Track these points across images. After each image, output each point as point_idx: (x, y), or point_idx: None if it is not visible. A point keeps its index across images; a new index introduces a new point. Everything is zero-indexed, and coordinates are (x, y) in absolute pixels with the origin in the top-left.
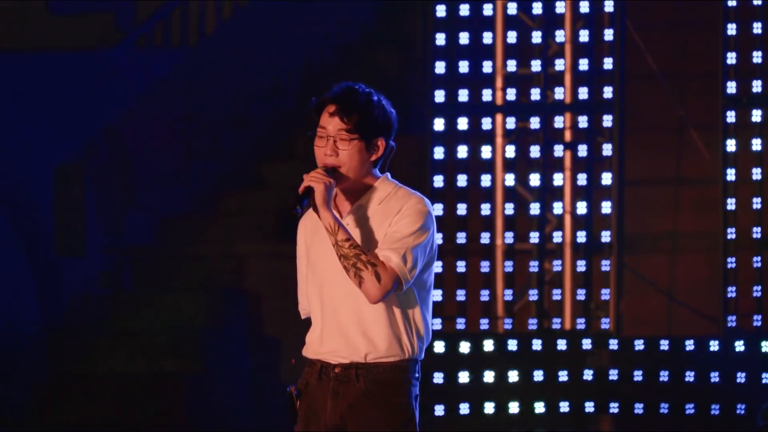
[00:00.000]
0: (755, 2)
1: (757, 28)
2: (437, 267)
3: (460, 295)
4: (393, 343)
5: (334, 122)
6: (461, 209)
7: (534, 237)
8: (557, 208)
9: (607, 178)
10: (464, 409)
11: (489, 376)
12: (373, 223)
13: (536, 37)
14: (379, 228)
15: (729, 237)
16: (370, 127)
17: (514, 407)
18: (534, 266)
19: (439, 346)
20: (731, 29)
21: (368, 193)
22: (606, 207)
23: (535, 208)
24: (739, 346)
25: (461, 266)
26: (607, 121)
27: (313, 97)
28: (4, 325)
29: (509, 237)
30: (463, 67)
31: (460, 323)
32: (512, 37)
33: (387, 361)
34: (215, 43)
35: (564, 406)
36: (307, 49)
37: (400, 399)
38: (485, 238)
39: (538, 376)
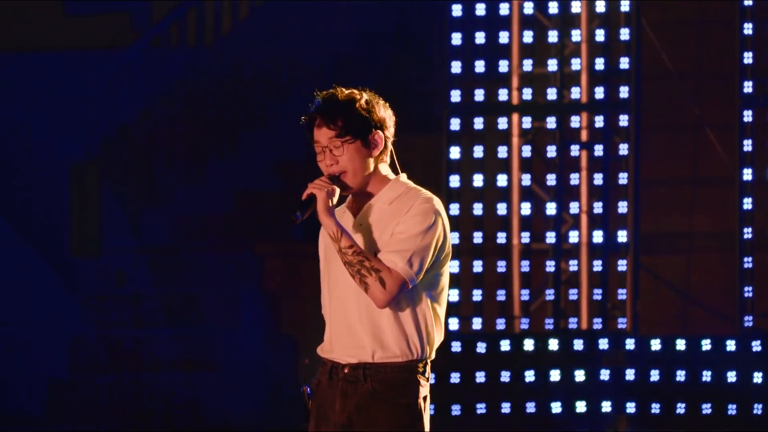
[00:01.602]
0: None
1: None
2: (453, 267)
3: (477, 295)
4: (401, 343)
5: (323, 133)
6: (477, 209)
7: (550, 237)
8: (573, 207)
9: (623, 178)
10: (481, 408)
11: (505, 376)
12: (383, 223)
13: (552, 36)
14: (387, 227)
15: (745, 237)
16: (358, 124)
17: (530, 407)
18: (550, 266)
19: (456, 346)
20: (748, 29)
21: (381, 193)
22: (622, 207)
23: (551, 208)
24: (756, 345)
25: (478, 266)
26: (624, 120)
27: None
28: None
29: (525, 237)
30: (479, 66)
31: (477, 323)
32: (528, 36)
33: (395, 361)
34: (231, 43)
35: (581, 406)
36: (323, 49)
37: (406, 399)
38: (501, 237)
39: (555, 375)
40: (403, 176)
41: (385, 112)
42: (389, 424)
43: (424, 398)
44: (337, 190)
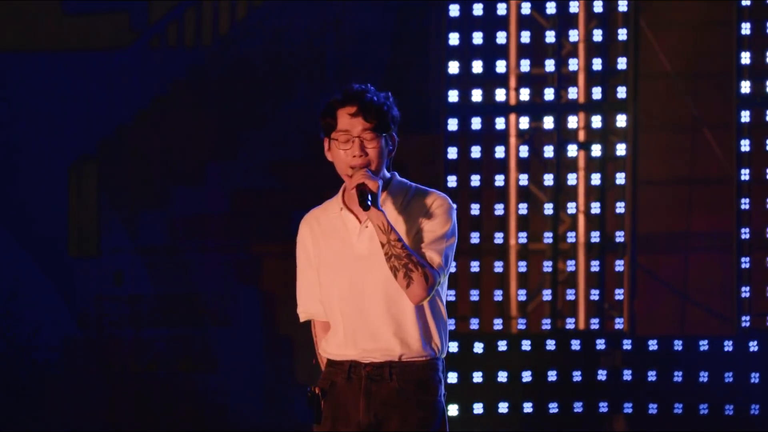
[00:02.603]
0: None
1: None
2: (451, 267)
3: (474, 295)
4: (425, 342)
5: (356, 123)
6: (475, 209)
7: (547, 237)
8: (571, 208)
9: (620, 178)
10: (478, 409)
11: (502, 376)
12: (400, 223)
13: (550, 36)
14: (408, 226)
15: (743, 237)
16: (389, 122)
17: (527, 407)
18: (548, 266)
19: (453, 346)
20: (745, 29)
21: (385, 192)
22: (620, 207)
23: (548, 208)
24: (753, 346)
25: (475, 266)
26: (621, 120)
27: (324, 100)
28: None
29: (523, 237)
30: (477, 67)
31: (474, 323)
32: (526, 36)
33: (420, 360)
34: (229, 43)
35: (578, 406)
36: (321, 49)
37: (432, 397)
38: (499, 238)
39: (552, 376)
40: (396, 174)
41: (398, 114)
42: (417, 422)
43: (444, 396)
44: (382, 183)
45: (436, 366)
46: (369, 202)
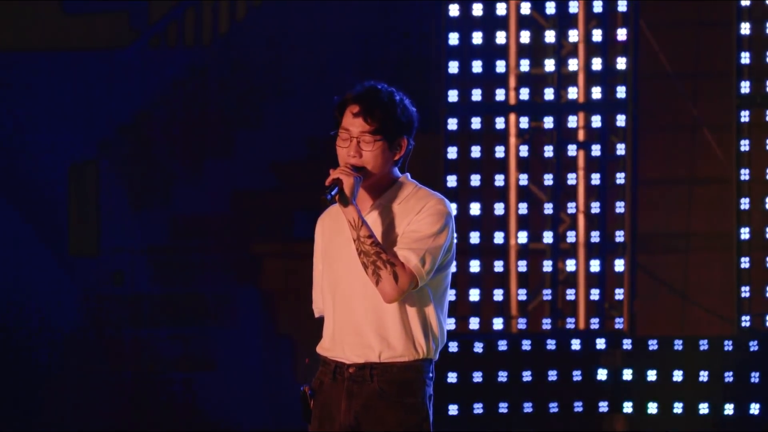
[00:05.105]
0: None
1: None
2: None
3: (474, 294)
4: (407, 342)
5: (357, 123)
6: (474, 209)
7: (548, 237)
8: (571, 207)
9: (620, 178)
10: (478, 408)
11: (503, 376)
12: (392, 222)
13: (549, 36)
14: (398, 226)
15: (743, 237)
16: (393, 127)
17: (528, 407)
18: (548, 266)
19: (453, 346)
20: (745, 29)
21: (388, 191)
22: (620, 207)
23: (548, 208)
24: (753, 346)
25: (475, 266)
26: (621, 120)
27: (333, 96)
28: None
29: (523, 237)
30: (477, 66)
31: (474, 323)
32: (525, 36)
33: (401, 361)
34: (229, 43)
35: (578, 406)
36: (320, 49)
37: (414, 399)
38: (499, 237)
39: (552, 375)
40: (408, 175)
41: (415, 119)
42: (397, 424)
43: (429, 398)
44: (361, 179)
45: (420, 368)
46: (329, 197)
